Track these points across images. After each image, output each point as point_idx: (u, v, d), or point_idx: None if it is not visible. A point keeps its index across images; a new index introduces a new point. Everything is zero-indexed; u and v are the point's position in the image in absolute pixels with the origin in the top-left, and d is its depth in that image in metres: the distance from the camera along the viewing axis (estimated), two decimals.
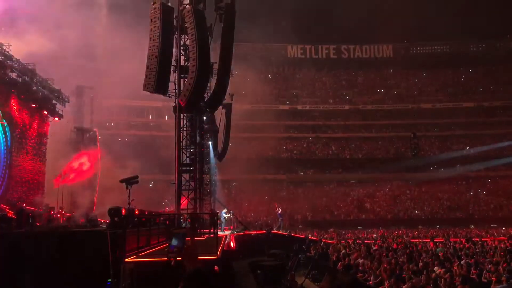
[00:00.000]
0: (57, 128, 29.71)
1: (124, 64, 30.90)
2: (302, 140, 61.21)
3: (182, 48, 21.11)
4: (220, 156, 31.67)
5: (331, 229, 42.60)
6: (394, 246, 22.82)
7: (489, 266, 13.44)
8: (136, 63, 24.84)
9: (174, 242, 8.84)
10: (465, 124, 60.11)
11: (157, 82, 19.58)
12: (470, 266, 13.56)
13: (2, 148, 23.36)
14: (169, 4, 20.78)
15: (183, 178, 20.96)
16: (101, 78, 34.28)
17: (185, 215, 19.71)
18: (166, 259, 9.08)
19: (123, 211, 12.47)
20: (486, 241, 25.95)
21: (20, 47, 23.86)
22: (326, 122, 62.40)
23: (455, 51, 66.44)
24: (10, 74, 23.87)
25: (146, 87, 19.74)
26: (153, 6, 19.88)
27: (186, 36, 20.60)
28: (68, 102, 30.47)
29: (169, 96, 21.01)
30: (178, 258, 8.76)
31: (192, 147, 21.47)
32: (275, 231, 28.56)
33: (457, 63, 65.96)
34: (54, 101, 28.91)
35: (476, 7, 56.69)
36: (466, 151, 58.60)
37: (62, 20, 27.89)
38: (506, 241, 24.20)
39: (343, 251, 19.76)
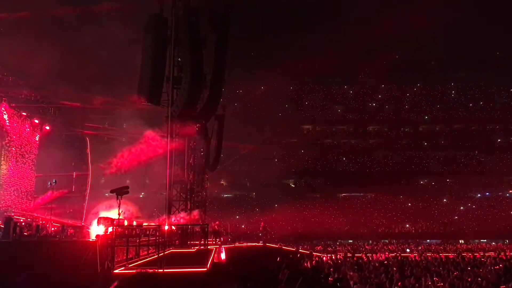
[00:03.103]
0: (48, 136, 29.46)
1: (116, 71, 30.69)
2: (294, 152, 61.17)
3: (175, 58, 21.15)
4: (212, 167, 31.56)
5: (322, 242, 42.50)
6: (384, 259, 22.79)
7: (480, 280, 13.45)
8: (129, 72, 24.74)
9: None
10: (456, 138, 60.43)
11: (149, 92, 19.57)
12: (461, 280, 13.55)
13: None
14: (163, 15, 20.86)
15: (174, 189, 20.87)
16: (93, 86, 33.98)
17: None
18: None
19: (112, 222, 12.36)
20: (476, 255, 26.00)
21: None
22: (318, 134, 62.47)
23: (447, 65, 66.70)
24: (1, 82, 23.72)
25: (138, 98, 19.72)
26: (147, 16, 19.96)
27: (179, 47, 20.65)
28: (60, 111, 30.26)
29: (162, 106, 20.98)
30: None
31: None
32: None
33: (448, 77, 66.24)
34: (45, 109, 28.72)
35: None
36: (458, 165, 58.87)
37: (52, 27, 27.72)
38: (495, 257, 24.26)
39: (334, 264, 19.68)
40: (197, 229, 21.72)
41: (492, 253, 29.20)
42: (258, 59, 61.13)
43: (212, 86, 21.72)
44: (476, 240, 47.33)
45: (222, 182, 51.85)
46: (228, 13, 21.85)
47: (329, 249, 35.74)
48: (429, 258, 23.74)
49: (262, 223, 30.85)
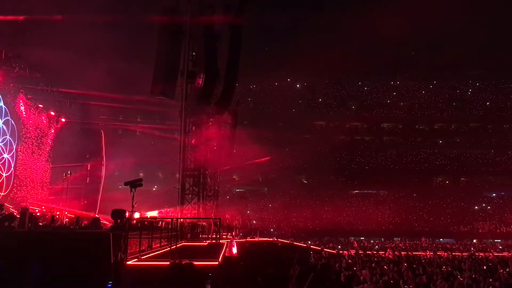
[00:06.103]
0: (63, 128, 29.82)
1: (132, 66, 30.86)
2: (307, 148, 60.93)
3: (189, 53, 21.23)
4: (224, 161, 31.63)
5: (334, 239, 42.41)
6: (395, 257, 22.66)
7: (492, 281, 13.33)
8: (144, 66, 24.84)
9: None
10: (472, 137, 59.64)
11: (164, 87, 19.69)
12: (473, 281, 13.43)
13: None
14: (179, 11, 20.92)
15: (186, 182, 20.98)
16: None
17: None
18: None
19: (127, 214, 12.48)
20: (490, 255, 25.73)
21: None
22: (332, 131, 62.12)
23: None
24: (18, 74, 24.01)
25: (153, 92, 19.85)
26: (163, 12, 20.04)
27: (194, 42, 20.72)
28: (75, 103, 30.56)
29: (176, 100, 21.08)
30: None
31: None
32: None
33: (464, 75, 65.34)
34: (61, 102, 29.03)
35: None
36: (473, 164, 58.18)
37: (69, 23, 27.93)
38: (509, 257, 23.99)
39: (345, 261, 19.64)
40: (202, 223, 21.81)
41: (506, 253, 28.89)
42: (272, 55, 61.04)
43: (226, 81, 21.75)
44: (490, 240, 46.77)
45: (234, 177, 51.91)
46: (242, 9, 21.82)
47: (341, 245, 35.64)
48: (442, 257, 23.55)
49: (227, 216, 30.89)
